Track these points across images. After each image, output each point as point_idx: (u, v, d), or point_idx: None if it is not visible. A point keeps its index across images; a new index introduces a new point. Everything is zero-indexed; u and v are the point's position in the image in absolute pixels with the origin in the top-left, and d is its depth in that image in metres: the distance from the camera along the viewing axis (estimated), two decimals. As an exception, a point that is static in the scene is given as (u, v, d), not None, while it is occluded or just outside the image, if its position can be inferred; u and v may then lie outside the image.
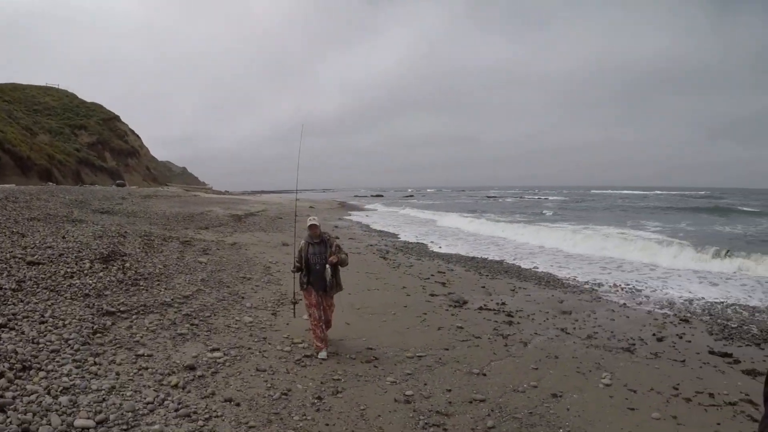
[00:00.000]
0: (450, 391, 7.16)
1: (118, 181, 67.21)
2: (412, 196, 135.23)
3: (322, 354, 8.19)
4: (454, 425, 6.18)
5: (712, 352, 9.45)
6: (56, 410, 5.30)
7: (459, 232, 33.84)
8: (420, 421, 6.20)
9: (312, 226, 8.48)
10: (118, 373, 6.50)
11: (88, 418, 5.24)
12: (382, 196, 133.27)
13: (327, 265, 8.30)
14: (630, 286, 16.09)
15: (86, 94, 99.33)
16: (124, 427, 5.23)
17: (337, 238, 8.92)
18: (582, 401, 7.07)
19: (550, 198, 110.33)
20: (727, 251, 20.62)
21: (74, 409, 5.40)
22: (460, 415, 6.46)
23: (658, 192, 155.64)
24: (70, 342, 7.15)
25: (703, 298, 14.58)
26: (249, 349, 8.16)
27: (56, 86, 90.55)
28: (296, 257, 8.59)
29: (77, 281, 9.90)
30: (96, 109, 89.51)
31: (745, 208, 62.25)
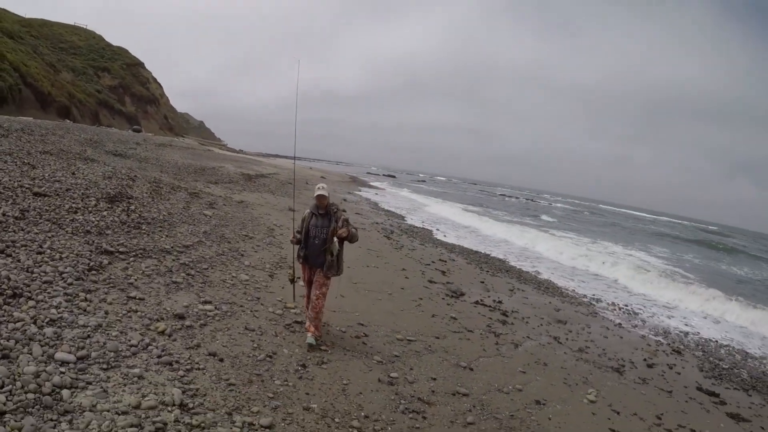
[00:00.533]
0: (435, 380, 7.12)
1: (134, 126, 67.36)
2: (424, 181, 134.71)
3: (309, 339, 7.32)
4: (433, 414, 6.13)
5: (699, 389, 9.37)
6: (39, 340, 5.23)
7: (468, 228, 33.71)
8: (401, 405, 6.15)
9: (320, 197, 7.58)
10: (107, 312, 6.43)
11: (70, 352, 5.17)
12: (394, 176, 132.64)
13: (335, 239, 7.47)
14: (628, 308, 15.98)
15: (113, 39, 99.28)
16: (104, 366, 5.16)
17: (345, 211, 8.40)
18: (564, 413, 7.02)
19: (558, 205, 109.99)
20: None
21: (57, 342, 5.33)
22: (441, 405, 6.41)
23: (666, 218, 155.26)
24: (64, 275, 7.08)
25: (698, 333, 14.45)
26: (241, 306, 8.09)
27: (84, 26, 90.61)
28: (297, 227, 7.98)
29: (80, 217, 9.84)
30: (121, 53, 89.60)
31: (751, 252, 61.84)
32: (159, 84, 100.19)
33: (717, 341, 13.87)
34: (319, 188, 7.68)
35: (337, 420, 5.46)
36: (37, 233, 8.36)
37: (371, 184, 71.54)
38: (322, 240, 7.50)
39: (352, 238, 7.54)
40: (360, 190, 50.10)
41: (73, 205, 10.39)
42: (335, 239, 7.50)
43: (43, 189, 10.80)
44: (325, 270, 7.52)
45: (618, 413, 7.40)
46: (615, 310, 15.28)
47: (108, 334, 5.88)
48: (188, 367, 5.67)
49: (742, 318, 17.09)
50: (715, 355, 12.33)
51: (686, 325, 15.27)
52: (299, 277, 8.17)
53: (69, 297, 6.51)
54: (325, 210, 7.64)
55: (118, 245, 9.05)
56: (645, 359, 10.43)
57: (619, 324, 13.35)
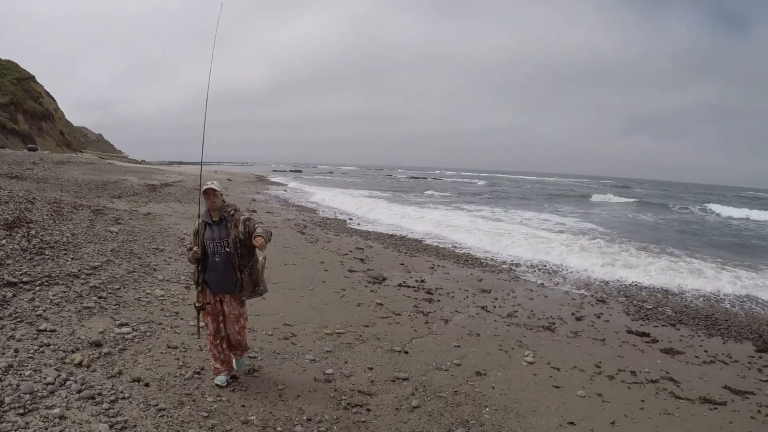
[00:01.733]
0: (372, 369, 7.00)
1: (30, 145, 64.73)
2: (331, 173, 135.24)
3: (220, 379, 6.05)
4: (377, 405, 6.01)
5: (630, 332, 9.67)
6: (-57, 392, 4.82)
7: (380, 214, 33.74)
8: (342, 401, 6.00)
9: (208, 192, 5.96)
10: (16, 350, 5.99)
11: (-21, 400, 4.79)
12: (300, 171, 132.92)
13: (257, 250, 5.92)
14: (546, 267, 16.31)
15: (1, 51, 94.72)
16: (21, 411, 4.77)
17: (254, 212, 7.34)
18: (506, 379, 7.05)
19: (473, 182, 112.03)
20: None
21: (-35, 391, 4.93)
22: (383, 394, 6.31)
23: (574, 180, 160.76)
24: (-35, 316, 6.59)
25: (618, 280, 14.86)
26: (160, 324, 7.72)
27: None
28: (190, 242, 6.25)
29: (-24, 249, 9.22)
30: (11, 67, 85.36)
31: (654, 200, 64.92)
32: (52, 98, 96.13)
33: (638, 284, 14.32)
34: (207, 183, 6.03)
35: (279, 428, 5.25)
36: (-73, 274, 7.76)
37: (277, 181, 70.80)
38: (226, 256, 5.95)
39: (267, 240, 5.72)
40: (268, 189, 49.48)
41: (-33, 238, 9.73)
42: (257, 250, 6.00)
43: (-70, 224, 10.08)
44: (239, 293, 6.05)
45: (558, 369, 7.51)
46: (535, 271, 15.52)
47: (21, 374, 5.45)
48: (112, 398, 5.32)
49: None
50: (638, 297, 12.76)
51: (605, 274, 15.60)
52: (209, 303, 6.09)
53: (-27, 340, 6.05)
54: (218, 215, 6.04)
55: (21, 275, 8.48)
56: (573, 313, 10.67)
57: (542, 284, 13.62)
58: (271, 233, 6.01)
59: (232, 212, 6.11)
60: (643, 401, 6.65)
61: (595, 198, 61.56)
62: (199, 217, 6.21)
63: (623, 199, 61.10)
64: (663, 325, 10.28)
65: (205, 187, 5.98)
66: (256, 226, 5.92)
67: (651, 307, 11.71)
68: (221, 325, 6.14)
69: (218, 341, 6.11)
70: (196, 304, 6.04)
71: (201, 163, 7.89)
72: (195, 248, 6.00)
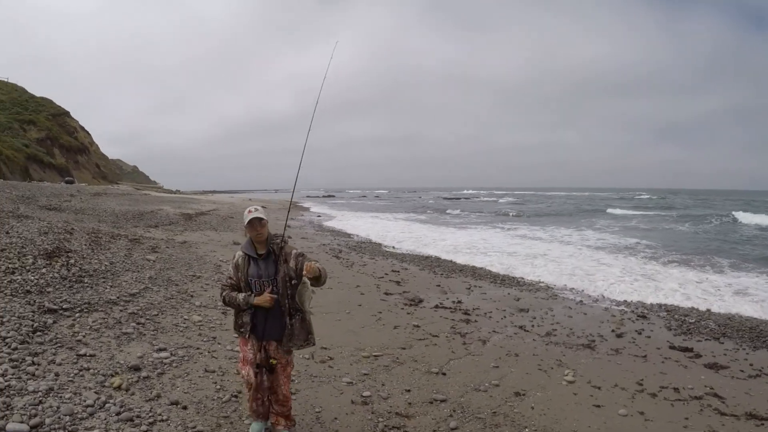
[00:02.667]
0: (409, 391, 6.91)
1: (67, 178, 66.01)
2: (364, 196, 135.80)
3: (255, 427, 5.31)
4: (414, 427, 5.93)
5: (672, 347, 9.44)
6: (-13, 414, 4.90)
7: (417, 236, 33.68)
8: (379, 423, 5.94)
9: (254, 224, 5.00)
10: (57, 374, 6.08)
11: (22, 422, 4.85)
12: (333, 196, 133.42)
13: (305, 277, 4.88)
14: (585, 284, 15.98)
15: (36, 90, 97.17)
16: (61, 432, 4.85)
17: (290, 237, 5.80)
18: (546, 399, 6.89)
19: (502, 201, 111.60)
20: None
21: (7, 412, 4.99)
22: (421, 416, 6.22)
23: (601, 193, 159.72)
24: (7, 341, 6.67)
25: (659, 295, 14.53)
26: (197, 349, 7.77)
27: (5, 80, 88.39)
28: (228, 278, 5.16)
29: (18, 277, 9.36)
30: (46, 104, 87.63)
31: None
32: (87, 132, 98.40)
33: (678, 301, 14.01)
34: (251, 211, 5.08)
35: (316, 450, 5.23)
36: (-27, 301, 7.91)
37: (310, 206, 71.35)
38: (278, 295, 5.03)
39: (318, 279, 4.93)
40: (302, 215, 49.87)
41: (10, 266, 9.88)
42: (305, 278, 4.89)
43: (-25, 254, 10.31)
44: (288, 343, 5.09)
45: (599, 388, 7.33)
46: (573, 289, 15.26)
47: (61, 397, 5.53)
48: (151, 420, 5.36)
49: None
50: (679, 312, 12.46)
51: (645, 289, 15.25)
52: (274, 360, 5.12)
53: (15, 363, 6.13)
54: (265, 247, 5.11)
55: (61, 302, 8.63)
56: (613, 330, 10.46)
57: (581, 301, 13.39)
58: (326, 275, 5.06)
59: (282, 245, 5.11)
60: (686, 419, 6.45)
61: (627, 211, 60.76)
62: (239, 250, 5.24)
63: (655, 213, 60.29)
64: (706, 339, 10.02)
65: (250, 217, 5.00)
66: (313, 263, 4.96)
67: (693, 321, 11.44)
68: (264, 377, 5.17)
69: (260, 395, 5.20)
70: (271, 361, 5.12)
71: (291, 198, 7.55)
72: (267, 294, 4.98)
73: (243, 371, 5.16)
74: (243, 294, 5.02)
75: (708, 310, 12.64)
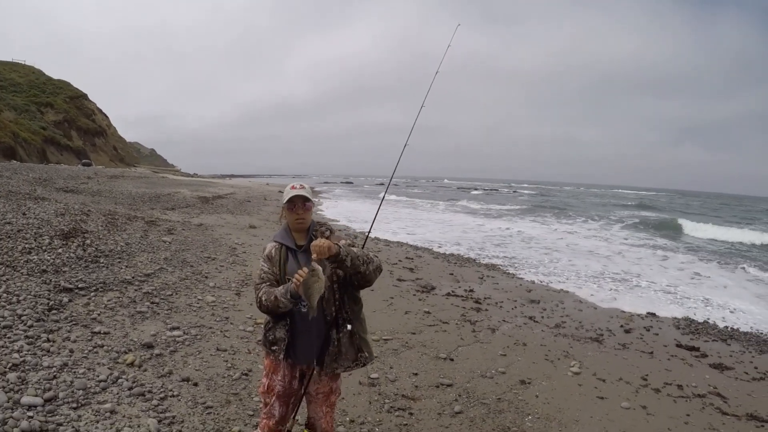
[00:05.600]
0: (416, 374, 7.02)
1: (84, 161, 66.35)
2: (382, 183, 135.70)
3: None
4: (420, 409, 6.03)
5: (679, 346, 9.46)
6: (3, 387, 5.01)
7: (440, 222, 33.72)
8: (385, 404, 6.05)
9: (295, 202, 3.72)
10: (71, 351, 6.21)
11: (36, 395, 4.97)
12: (351, 183, 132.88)
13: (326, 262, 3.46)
14: (604, 279, 16.08)
15: (53, 72, 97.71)
16: (74, 405, 4.96)
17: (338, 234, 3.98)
18: (551, 388, 6.98)
19: (525, 192, 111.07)
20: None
21: (22, 386, 5.11)
22: (426, 399, 6.32)
23: (621, 190, 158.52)
24: (23, 318, 6.83)
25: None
26: (210, 328, 7.88)
27: (23, 62, 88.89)
28: (262, 272, 3.77)
29: (35, 257, 9.53)
30: (63, 86, 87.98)
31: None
32: (105, 115, 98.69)
33: (689, 297, 14.04)
34: (295, 187, 3.78)
35: (321, 429, 5.33)
36: (-10, 278, 8.07)
37: (326, 191, 71.58)
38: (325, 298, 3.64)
39: (367, 278, 3.67)
40: (321, 201, 49.94)
41: (27, 246, 10.05)
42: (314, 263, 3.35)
43: (-8, 233, 10.49)
44: (332, 364, 3.74)
45: (603, 381, 7.40)
46: (588, 283, 15.28)
47: (75, 372, 5.65)
48: (162, 395, 5.48)
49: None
50: (689, 311, 12.45)
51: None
52: (305, 428, 4.07)
53: (31, 339, 6.26)
54: (306, 237, 3.84)
55: (76, 281, 8.78)
56: (622, 326, 10.50)
57: (592, 296, 13.40)
58: (379, 267, 3.74)
59: (327, 233, 3.81)
60: (688, 415, 6.50)
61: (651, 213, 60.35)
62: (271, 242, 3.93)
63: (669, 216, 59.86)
64: (713, 340, 10.02)
65: (292, 194, 3.72)
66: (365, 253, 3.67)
67: (702, 321, 11.47)
68: (294, 408, 4.00)
69: (281, 428, 3.94)
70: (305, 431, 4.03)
71: (388, 183, 5.91)
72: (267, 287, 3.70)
73: (266, 398, 3.96)
74: (281, 288, 3.61)
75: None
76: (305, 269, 3.36)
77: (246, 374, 6.39)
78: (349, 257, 3.46)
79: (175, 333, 7.38)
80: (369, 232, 4.64)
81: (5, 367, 5.43)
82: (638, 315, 11.54)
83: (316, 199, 48.42)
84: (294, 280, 3.41)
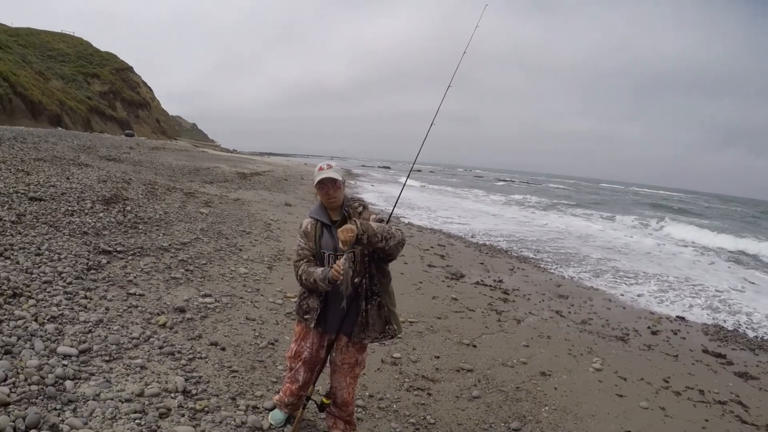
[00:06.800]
0: (438, 358, 7.12)
1: (127, 131, 67.43)
2: (419, 170, 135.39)
3: (276, 416, 4.66)
4: (438, 391, 6.14)
5: (705, 351, 9.39)
6: (41, 336, 5.24)
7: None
8: (405, 383, 6.17)
9: (325, 184, 4.00)
10: (107, 308, 6.44)
11: (72, 346, 5.19)
12: (389, 167, 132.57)
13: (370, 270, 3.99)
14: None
15: (101, 44, 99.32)
16: (107, 358, 5.17)
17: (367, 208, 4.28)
18: (570, 382, 7.02)
19: (561, 187, 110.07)
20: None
21: (59, 337, 5.35)
22: (446, 381, 6.43)
23: (665, 192, 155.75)
24: (63, 275, 7.08)
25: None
26: (241, 298, 8.06)
27: (72, 33, 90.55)
28: (300, 248, 4.10)
29: (77, 219, 9.84)
30: (110, 58, 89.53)
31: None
32: (149, 88, 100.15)
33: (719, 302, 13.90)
34: (323, 168, 4.05)
35: (341, 400, 5.48)
36: (34, 236, 8.33)
37: (364, 175, 71.74)
38: (359, 274, 3.94)
39: (390, 251, 3.82)
40: (357, 184, 50.12)
41: (69, 208, 10.38)
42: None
43: (38, 194, 10.82)
44: (360, 334, 4.06)
45: (624, 379, 7.40)
46: (617, 281, 15.22)
47: (109, 328, 5.87)
48: (190, 356, 5.68)
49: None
50: (720, 317, 12.37)
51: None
52: (327, 401, 4.40)
53: (69, 295, 6.51)
54: (339, 213, 4.11)
55: (115, 245, 9.05)
56: (649, 327, 10.45)
57: (621, 295, 13.37)
58: (402, 241, 3.86)
59: (360, 209, 4.11)
60: (706, 420, 6.49)
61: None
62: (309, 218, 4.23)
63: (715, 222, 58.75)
64: (741, 349, 9.92)
65: (321, 176, 3.98)
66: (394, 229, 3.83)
67: (731, 328, 11.38)
68: (317, 376, 4.38)
69: (302, 392, 4.43)
70: (325, 401, 4.36)
71: (412, 165, 5.13)
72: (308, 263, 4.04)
73: (292, 365, 4.41)
74: (321, 269, 3.89)
75: (749, 319, 12.54)
76: (342, 262, 3.67)
77: (272, 344, 6.55)
78: (365, 235, 3.61)
79: (207, 300, 7.58)
80: (393, 209, 5.03)
81: (44, 319, 5.68)
82: (667, 318, 11.46)
83: (353, 182, 48.62)
84: (333, 271, 3.68)
